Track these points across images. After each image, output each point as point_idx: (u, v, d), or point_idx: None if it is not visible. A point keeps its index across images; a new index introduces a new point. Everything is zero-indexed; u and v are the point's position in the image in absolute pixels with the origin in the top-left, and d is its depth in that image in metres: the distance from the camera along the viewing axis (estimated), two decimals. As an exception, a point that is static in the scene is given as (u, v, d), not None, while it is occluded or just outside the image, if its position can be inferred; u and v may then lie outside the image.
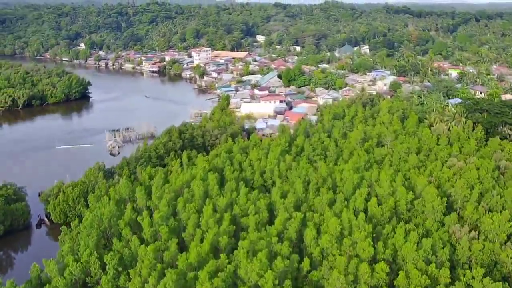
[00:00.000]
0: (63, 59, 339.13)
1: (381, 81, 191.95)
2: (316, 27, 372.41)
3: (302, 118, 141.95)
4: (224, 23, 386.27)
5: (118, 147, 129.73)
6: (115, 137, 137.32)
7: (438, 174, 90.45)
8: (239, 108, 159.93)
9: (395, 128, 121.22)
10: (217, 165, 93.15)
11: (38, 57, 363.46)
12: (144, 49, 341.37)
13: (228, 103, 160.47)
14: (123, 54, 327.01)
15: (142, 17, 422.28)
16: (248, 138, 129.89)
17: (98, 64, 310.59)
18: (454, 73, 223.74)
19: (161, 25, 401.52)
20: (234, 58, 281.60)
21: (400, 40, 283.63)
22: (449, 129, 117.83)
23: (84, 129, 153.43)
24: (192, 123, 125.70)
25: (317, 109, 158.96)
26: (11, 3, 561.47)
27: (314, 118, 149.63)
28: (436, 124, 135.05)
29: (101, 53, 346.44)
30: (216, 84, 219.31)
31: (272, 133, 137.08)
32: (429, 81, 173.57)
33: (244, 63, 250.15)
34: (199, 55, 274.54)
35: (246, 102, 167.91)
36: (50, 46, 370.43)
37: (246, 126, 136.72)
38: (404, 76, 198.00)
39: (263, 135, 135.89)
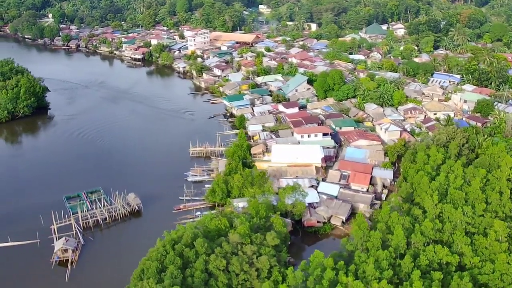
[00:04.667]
0: (25, 36, 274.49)
1: (456, 95, 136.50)
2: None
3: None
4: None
5: (74, 250, 75.03)
6: (73, 210, 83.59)
7: None
8: (265, 151, 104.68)
9: None
10: None
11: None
12: (125, 24, 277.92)
13: (249, 149, 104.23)
14: (99, 32, 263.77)
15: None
16: (294, 230, 77.52)
17: (67, 45, 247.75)
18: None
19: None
20: (239, 43, 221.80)
21: (449, 21, 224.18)
22: None
23: (26, 193, 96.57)
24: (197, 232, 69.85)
25: (385, 153, 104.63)
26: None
27: (388, 176, 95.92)
28: None
29: (73, 28, 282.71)
30: (221, 88, 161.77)
31: (332, 216, 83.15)
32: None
33: (255, 55, 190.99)
34: (194, 40, 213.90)
35: (274, 140, 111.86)
36: (10, 17, 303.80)
37: (289, 202, 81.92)
38: (486, 86, 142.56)
39: (318, 222, 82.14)
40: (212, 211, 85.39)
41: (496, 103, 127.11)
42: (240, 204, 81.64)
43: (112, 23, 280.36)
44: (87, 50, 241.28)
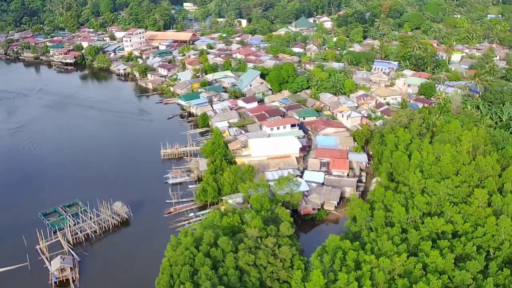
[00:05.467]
0: None
1: (399, 80, 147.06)
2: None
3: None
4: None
5: (72, 268, 70.38)
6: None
7: None
8: (243, 147, 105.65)
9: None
10: None
11: None
12: (45, 28, 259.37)
13: (225, 145, 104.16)
14: (17, 37, 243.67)
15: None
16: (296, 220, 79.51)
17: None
18: (456, 56, 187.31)
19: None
20: (176, 41, 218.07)
21: (373, 12, 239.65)
22: None
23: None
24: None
25: (354, 139, 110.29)
26: None
27: (363, 159, 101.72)
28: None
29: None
30: (172, 88, 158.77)
31: (324, 202, 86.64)
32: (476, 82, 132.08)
33: (198, 53, 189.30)
34: (130, 40, 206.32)
35: (245, 135, 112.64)
36: None
37: (281, 192, 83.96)
38: (423, 70, 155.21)
39: (313, 209, 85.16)
40: (208, 210, 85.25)
41: (436, 85, 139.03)
42: (237, 200, 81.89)
43: (30, 27, 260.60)
44: (8, 57, 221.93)
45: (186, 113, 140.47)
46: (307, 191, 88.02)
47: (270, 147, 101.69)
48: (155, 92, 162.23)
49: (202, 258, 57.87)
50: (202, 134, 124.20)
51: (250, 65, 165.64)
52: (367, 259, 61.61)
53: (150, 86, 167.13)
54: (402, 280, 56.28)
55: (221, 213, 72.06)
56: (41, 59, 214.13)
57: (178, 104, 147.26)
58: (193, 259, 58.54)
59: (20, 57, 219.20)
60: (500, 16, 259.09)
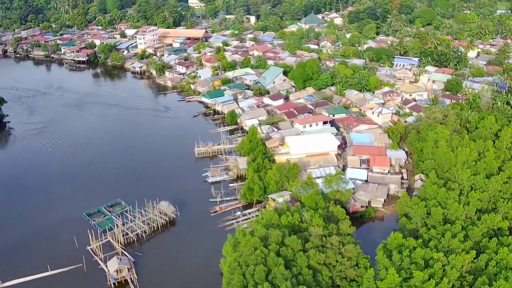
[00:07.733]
0: None
1: (423, 76, 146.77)
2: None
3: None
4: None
5: (129, 268, 69.36)
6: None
7: None
8: (280, 144, 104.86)
9: None
10: None
11: None
12: (53, 26, 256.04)
13: (263, 142, 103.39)
14: (23, 34, 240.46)
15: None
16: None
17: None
18: (472, 52, 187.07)
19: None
20: (189, 39, 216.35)
21: (384, 8, 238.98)
22: None
23: (35, 215, 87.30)
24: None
25: (388, 136, 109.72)
26: None
27: (402, 156, 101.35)
28: None
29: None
30: (192, 86, 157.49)
31: (371, 200, 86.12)
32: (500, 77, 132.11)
33: (213, 49, 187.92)
34: (144, 37, 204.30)
35: (278, 133, 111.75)
36: None
37: (327, 190, 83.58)
38: (446, 66, 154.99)
39: (362, 207, 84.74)
40: (255, 209, 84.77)
41: (463, 81, 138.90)
42: (286, 198, 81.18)
43: (36, 24, 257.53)
44: (17, 55, 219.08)
45: (211, 111, 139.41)
46: (353, 188, 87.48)
47: (307, 145, 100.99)
48: (174, 90, 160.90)
49: (275, 258, 57.15)
50: (231, 132, 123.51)
51: (270, 62, 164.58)
52: (435, 257, 61.23)
53: (169, 84, 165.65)
54: (481, 278, 55.90)
55: (277, 212, 71.23)
56: (52, 57, 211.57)
57: (201, 102, 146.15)
58: (264, 259, 57.78)
59: (30, 55, 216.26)
60: (509, 11, 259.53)
